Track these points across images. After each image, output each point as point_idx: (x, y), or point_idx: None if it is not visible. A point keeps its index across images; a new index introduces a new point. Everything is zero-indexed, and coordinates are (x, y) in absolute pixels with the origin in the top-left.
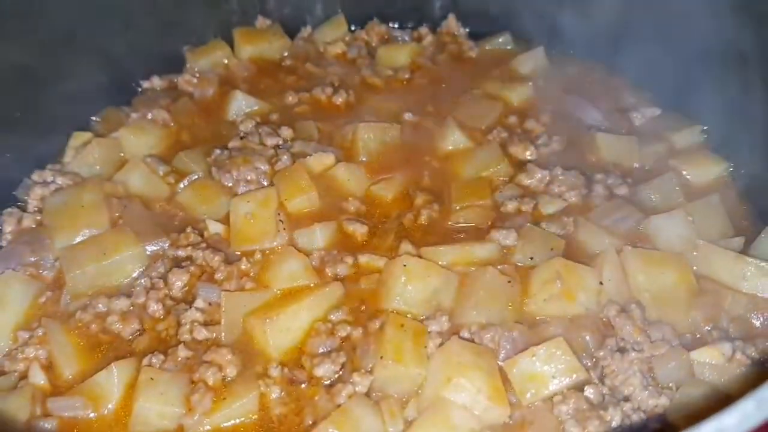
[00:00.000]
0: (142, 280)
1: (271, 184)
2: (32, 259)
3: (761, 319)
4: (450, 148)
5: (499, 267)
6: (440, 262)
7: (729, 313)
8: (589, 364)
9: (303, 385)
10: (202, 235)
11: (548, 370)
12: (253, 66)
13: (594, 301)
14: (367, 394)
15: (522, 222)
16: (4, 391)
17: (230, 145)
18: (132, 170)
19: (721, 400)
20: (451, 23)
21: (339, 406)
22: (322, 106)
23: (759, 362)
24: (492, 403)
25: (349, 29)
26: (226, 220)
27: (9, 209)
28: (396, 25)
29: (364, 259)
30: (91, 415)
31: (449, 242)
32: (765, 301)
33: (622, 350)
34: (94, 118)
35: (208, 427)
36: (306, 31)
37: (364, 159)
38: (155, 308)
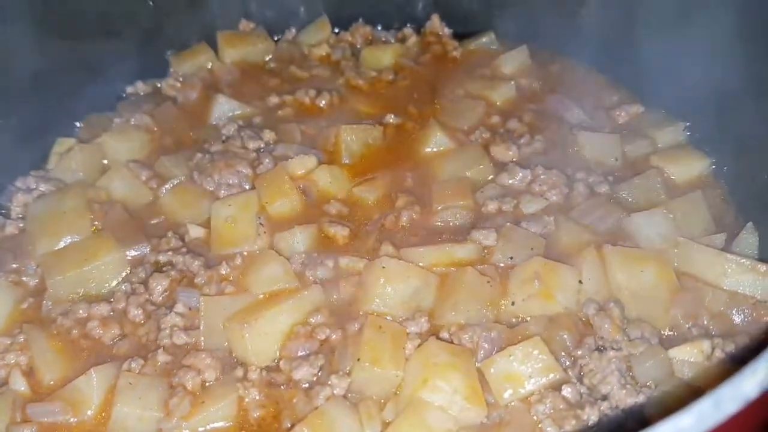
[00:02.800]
0: (123, 286)
1: (253, 187)
2: (14, 265)
3: (741, 315)
4: (432, 149)
5: (479, 267)
6: (420, 263)
7: (709, 310)
8: (567, 363)
9: (282, 388)
10: (183, 240)
11: (525, 369)
12: (237, 69)
13: (573, 300)
14: (345, 396)
15: (503, 222)
16: None
17: (212, 149)
18: (114, 176)
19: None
20: (435, 23)
21: (317, 408)
22: (306, 108)
23: (739, 359)
24: (468, 403)
25: (333, 31)
26: (208, 225)
27: None
28: (380, 27)
29: (344, 261)
30: (71, 420)
31: (430, 243)
32: (745, 297)
33: (600, 349)
34: (78, 123)
35: (186, 431)
36: (290, 33)
37: (346, 161)
38: (136, 313)
